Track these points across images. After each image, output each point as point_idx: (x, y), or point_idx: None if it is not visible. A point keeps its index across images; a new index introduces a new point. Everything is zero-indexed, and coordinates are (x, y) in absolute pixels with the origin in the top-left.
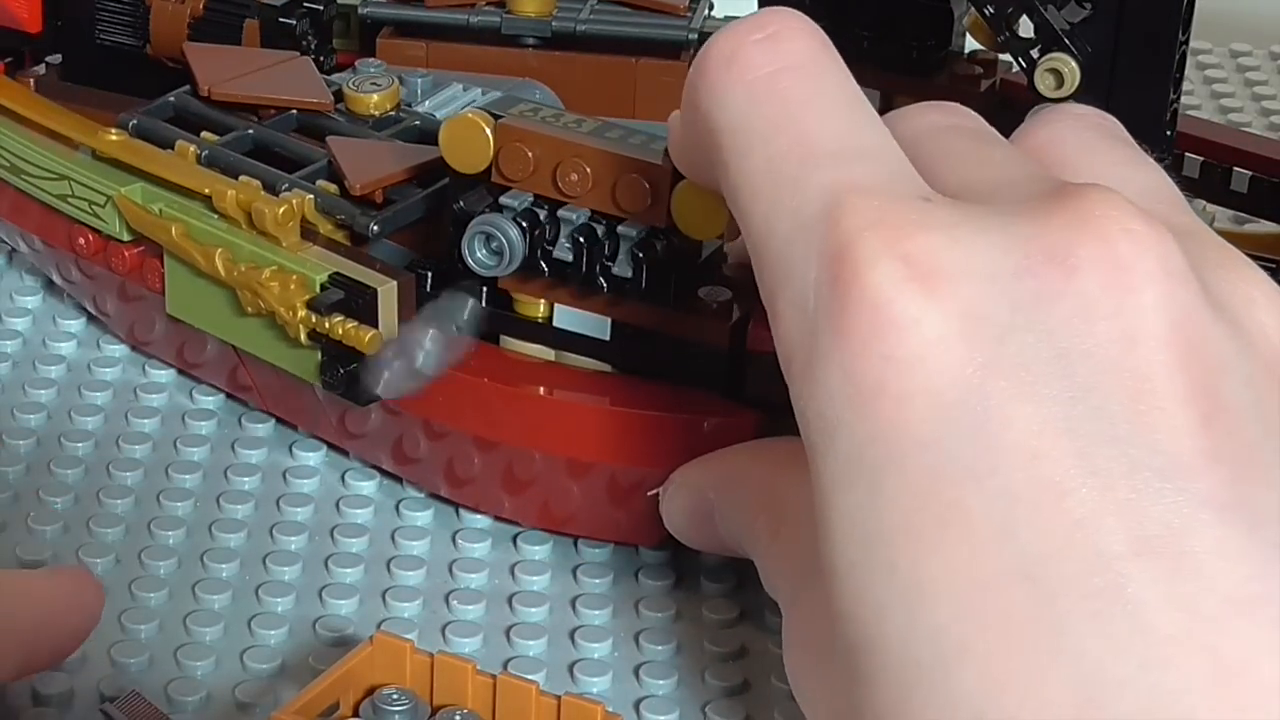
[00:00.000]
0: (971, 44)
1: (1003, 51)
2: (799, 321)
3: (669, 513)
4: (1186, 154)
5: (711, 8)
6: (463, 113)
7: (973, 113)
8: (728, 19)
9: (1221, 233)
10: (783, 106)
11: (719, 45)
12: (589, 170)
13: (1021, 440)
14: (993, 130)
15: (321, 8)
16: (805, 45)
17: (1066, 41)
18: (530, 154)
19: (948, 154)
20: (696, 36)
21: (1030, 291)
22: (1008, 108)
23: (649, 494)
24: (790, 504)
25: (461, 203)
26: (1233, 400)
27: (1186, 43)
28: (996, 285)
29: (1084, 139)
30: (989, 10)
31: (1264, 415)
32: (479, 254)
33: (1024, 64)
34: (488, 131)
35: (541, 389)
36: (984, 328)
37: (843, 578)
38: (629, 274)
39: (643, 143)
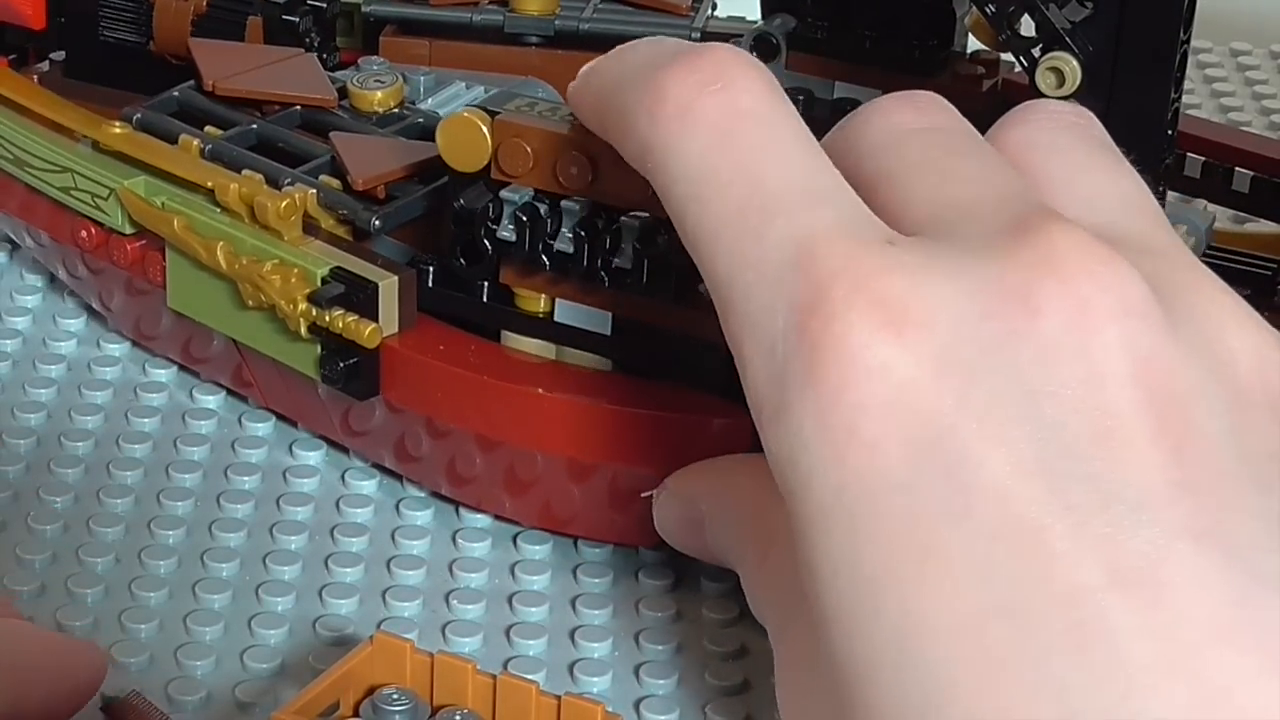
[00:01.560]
0: (974, 43)
1: (1004, 50)
2: (766, 369)
3: (661, 519)
4: (1188, 154)
5: (714, 7)
6: (459, 111)
7: (944, 104)
8: (730, 19)
9: (1222, 233)
10: (739, 155)
11: (673, 95)
12: (588, 162)
13: (995, 480)
14: (967, 128)
15: (324, 5)
16: (759, 93)
17: (1068, 40)
18: (529, 149)
19: (919, 164)
20: (699, 36)
21: (997, 334)
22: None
23: (643, 496)
24: (781, 528)
25: (462, 200)
26: (1204, 429)
27: (1188, 42)
28: (965, 328)
29: (1058, 142)
30: (990, 9)
31: (1237, 442)
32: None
33: (1025, 63)
34: (485, 129)
35: (543, 388)
36: (954, 370)
37: (830, 620)
38: (630, 266)
39: None
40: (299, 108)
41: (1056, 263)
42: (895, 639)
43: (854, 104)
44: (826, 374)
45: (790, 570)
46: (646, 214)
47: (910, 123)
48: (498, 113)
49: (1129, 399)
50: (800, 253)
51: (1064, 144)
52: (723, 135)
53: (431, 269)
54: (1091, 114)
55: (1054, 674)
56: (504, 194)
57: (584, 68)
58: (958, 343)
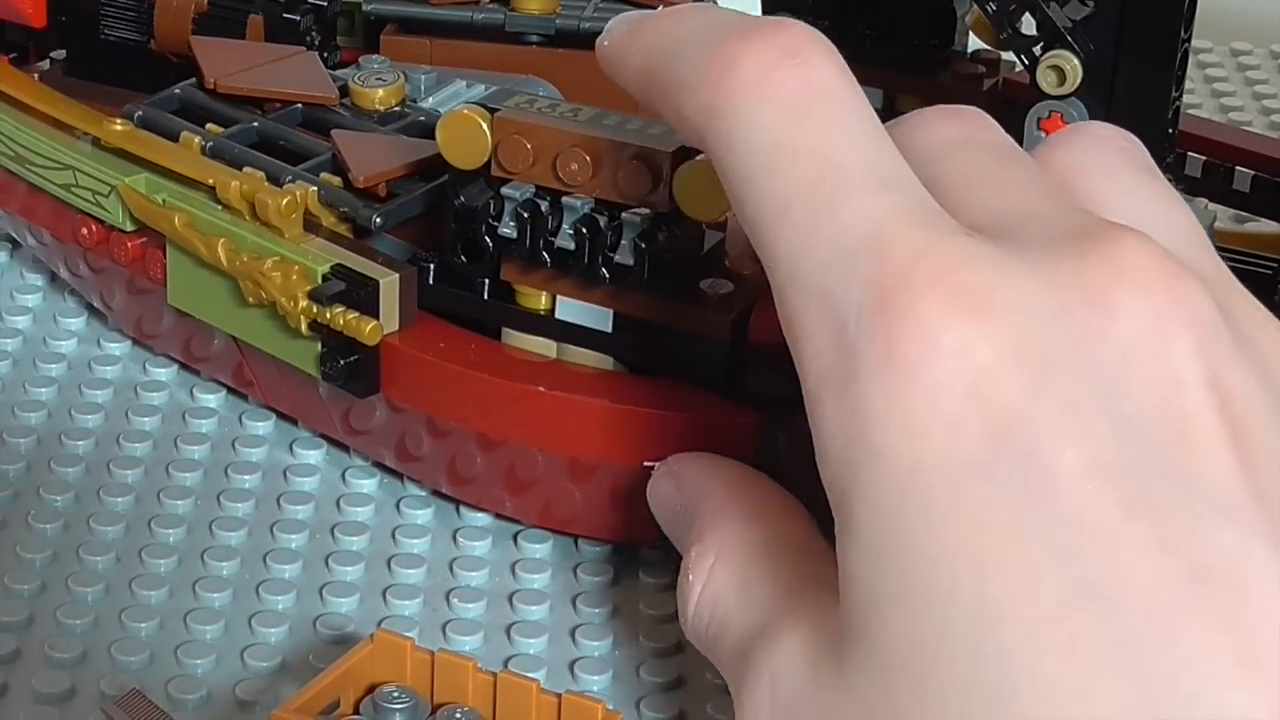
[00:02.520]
0: (975, 43)
1: (1005, 49)
2: (834, 343)
3: (651, 496)
4: (1189, 153)
5: (715, 4)
6: (458, 109)
7: (988, 120)
8: None
9: (1223, 232)
10: (815, 132)
11: (749, 63)
12: (589, 159)
13: (1075, 468)
14: (1011, 142)
15: (325, 4)
16: (835, 73)
17: (1069, 39)
18: (529, 145)
19: (967, 175)
20: None
21: (1074, 331)
22: (1011, 106)
23: (645, 465)
24: (760, 540)
25: (462, 197)
26: (1268, 447)
27: (1188, 41)
28: (1043, 322)
29: (1109, 167)
30: (991, 7)
31: None
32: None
33: (1026, 61)
34: (485, 126)
35: (544, 386)
36: (1033, 361)
37: (890, 602)
38: (631, 262)
39: (641, 128)
40: (300, 106)
41: (1131, 270)
42: (970, 622)
43: None
44: (906, 351)
45: (772, 576)
46: (647, 211)
47: (955, 135)
48: (497, 110)
49: (1204, 404)
50: (879, 233)
51: (1111, 167)
52: (799, 109)
53: (432, 266)
54: (1137, 139)
55: (1135, 662)
56: (505, 191)
57: (622, 24)
58: (1037, 335)
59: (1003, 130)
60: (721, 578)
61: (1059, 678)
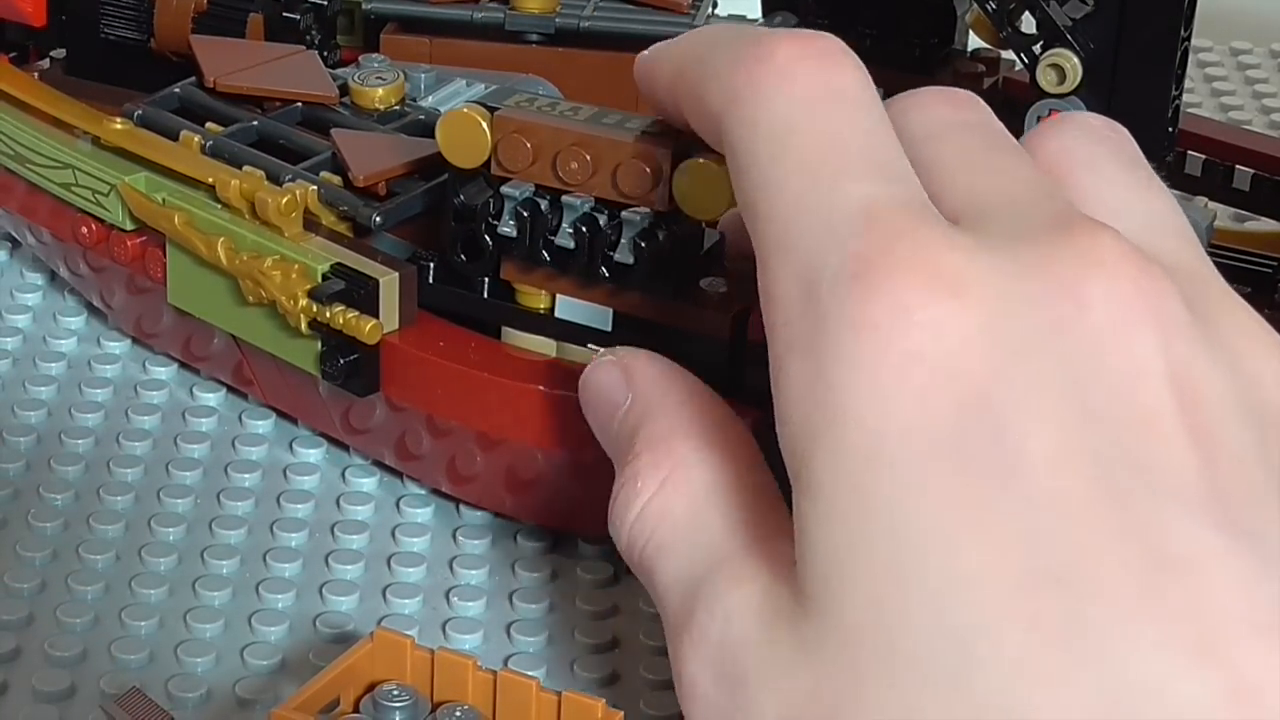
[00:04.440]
0: (974, 42)
1: (1005, 48)
2: (804, 303)
3: (587, 383)
4: (1188, 152)
5: (715, 5)
6: (458, 108)
7: (979, 102)
8: (731, 17)
9: (1222, 231)
10: (828, 121)
11: (776, 55)
12: (589, 157)
13: (1043, 451)
14: (1000, 127)
15: (325, 3)
16: (858, 79)
17: (1069, 37)
18: (529, 144)
19: (957, 157)
20: None
21: (1045, 319)
22: (1010, 105)
23: (590, 347)
24: (704, 466)
25: (462, 196)
26: (1233, 445)
27: (1188, 40)
28: (1014, 307)
29: (1094, 157)
30: (991, 6)
31: (1264, 459)
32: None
33: (1026, 60)
34: (484, 125)
35: (544, 385)
36: (1004, 343)
37: (851, 573)
38: (631, 261)
39: (640, 127)
40: (300, 104)
41: (1102, 263)
42: (935, 598)
43: None
44: (878, 319)
45: (729, 509)
46: (647, 210)
47: (949, 116)
48: (497, 109)
49: (1167, 400)
50: (868, 209)
51: (1097, 157)
52: (817, 99)
53: (432, 265)
54: (1125, 130)
55: (1098, 647)
56: (505, 189)
57: (657, 47)
58: (1010, 320)
59: (993, 114)
60: (672, 496)
61: (1022, 659)
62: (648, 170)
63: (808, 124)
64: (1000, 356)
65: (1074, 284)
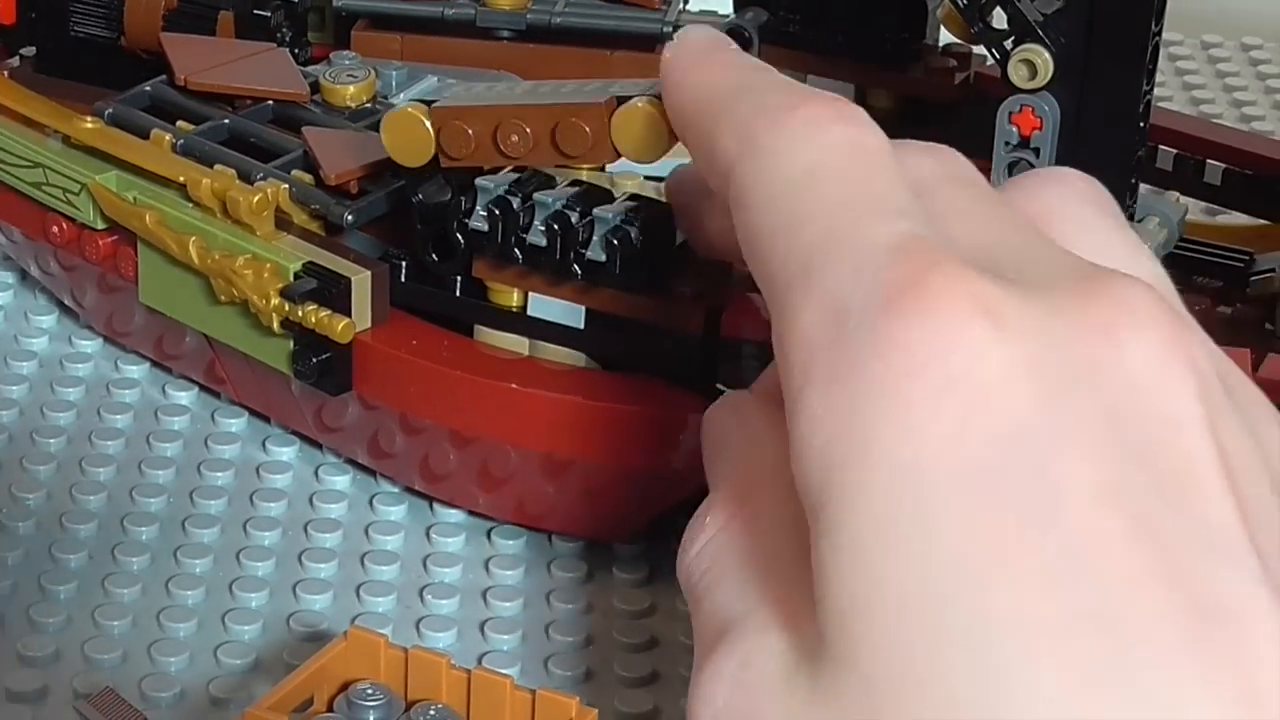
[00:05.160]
0: (946, 36)
1: (976, 43)
2: (829, 335)
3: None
4: (1160, 146)
5: (686, 1)
6: (398, 108)
7: (963, 159)
8: (703, 13)
9: (1194, 225)
10: (854, 168)
11: (805, 109)
12: (528, 129)
13: (1083, 490)
14: (986, 182)
15: (296, 0)
16: (880, 142)
17: (1040, 32)
18: (470, 130)
19: (953, 209)
20: (671, 29)
21: (1083, 357)
22: (982, 100)
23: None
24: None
25: (420, 195)
26: (1259, 504)
27: (1159, 34)
28: (1054, 342)
29: (1080, 216)
30: (962, 2)
31: (1275, 516)
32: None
33: (997, 55)
34: (425, 120)
35: (516, 383)
36: (1044, 378)
37: (875, 613)
38: (603, 258)
39: (574, 90)
40: (271, 102)
41: (1134, 309)
42: (966, 638)
43: None
44: (913, 345)
45: (770, 561)
46: (617, 205)
47: (937, 169)
48: (434, 101)
49: (1205, 448)
50: (900, 243)
51: (1086, 219)
52: (842, 148)
53: (404, 264)
54: (1104, 188)
55: (1139, 692)
56: (479, 182)
57: (697, 40)
58: (1047, 354)
59: (972, 165)
60: (726, 543)
61: (1059, 700)
62: (586, 128)
63: (834, 167)
64: (1040, 390)
65: (1108, 327)
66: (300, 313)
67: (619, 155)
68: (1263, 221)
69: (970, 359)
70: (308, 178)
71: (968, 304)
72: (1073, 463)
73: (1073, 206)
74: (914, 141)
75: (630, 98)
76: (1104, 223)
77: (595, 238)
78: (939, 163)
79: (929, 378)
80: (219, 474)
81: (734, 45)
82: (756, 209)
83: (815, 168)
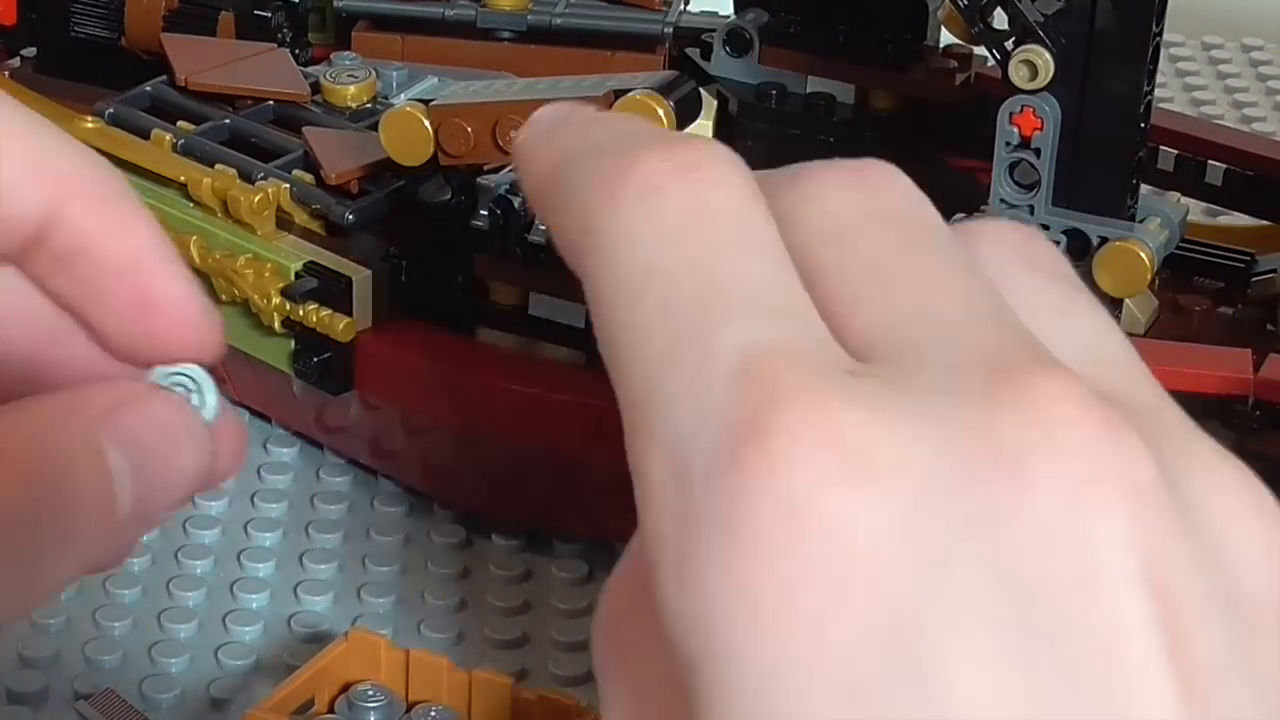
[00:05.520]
0: (947, 37)
1: (977, 44)
2: (675, 501)
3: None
4: (1161, 147)
5: (687, 2)
6: (397, 109)
7: (896, 179)
8: (704, 13)
9: (1195, 225)
10: (699, 251)
11: (641, 174)
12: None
13: (972, 701)
14: (923, 212)
15: (297, 1)
16: (736, 192)
17: (1041, 33)
18: (468, 128)
19: (868, 264)
20: (671, 30)
21: (979, 505)
22: (983, 101)
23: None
24: None
25: (420, 194)
26: (1210, 657)
27: (1160, 34)
28: (938, 490)
29: (1020, 275)
30: (963, 2)
31: (1245, 673)
32: None
33: (998, 56)
34: (424, 119)
35: (519, 383)
36: (923, 543)
37: None
38: None
39: (573, 85)
40: (272, 103)
41: (1052, 422)
42: None
43: (826, 98)
44: (759, 523)
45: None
46: None
47: (856, 208)
48: (432, 100)
49: (1134, 609)
50: (746, 366)
51: (1023, 276)
52: (685, 227)
53: (405, 263)
54: (1043, 236)
55: None
56: (481, 180)
57: (542, 121)
58: (929, 508)
59: (915, 190)
60: None
61: None
62: None
63: (672, 257)
64: (920, 562)
65: (1015, 454)
66: (301, 312)
67: None
68: (1264, 222)
69: (826, 538)
70: (308, 177)
71: (823, 455)
72: (960, 662)
73: (1007, 265)
74: (841, 162)
75: (628, 90)
76: (1059, 285)
77: None
78: (865, 192)
79: (778, 567)
80: None
81: (591, 109)
82: (600, 317)
83: (651, 260)
